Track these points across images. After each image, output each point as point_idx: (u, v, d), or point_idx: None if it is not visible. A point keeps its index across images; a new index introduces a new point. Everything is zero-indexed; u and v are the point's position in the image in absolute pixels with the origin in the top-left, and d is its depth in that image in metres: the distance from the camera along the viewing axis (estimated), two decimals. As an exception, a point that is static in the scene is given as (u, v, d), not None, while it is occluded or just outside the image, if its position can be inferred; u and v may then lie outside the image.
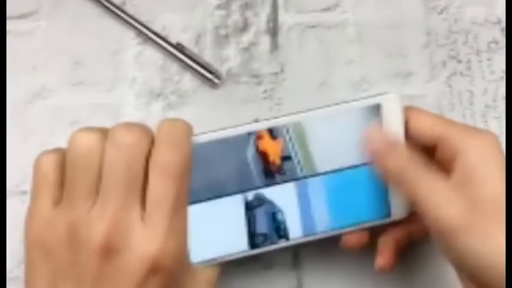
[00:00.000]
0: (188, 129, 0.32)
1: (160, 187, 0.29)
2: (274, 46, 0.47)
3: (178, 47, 0.46)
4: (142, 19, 0.48)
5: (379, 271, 0.37)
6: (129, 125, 0.30)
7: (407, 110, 0.35)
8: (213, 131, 0.34)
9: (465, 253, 0.30)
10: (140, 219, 0.29)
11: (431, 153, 0.34)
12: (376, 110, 0.36)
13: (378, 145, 0.34)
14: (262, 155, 0.36)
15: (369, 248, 0.41)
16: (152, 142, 0.30)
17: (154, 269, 0.28)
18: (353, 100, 0.36)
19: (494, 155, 0.31)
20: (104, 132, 0.31)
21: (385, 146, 0.33)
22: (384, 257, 0.36)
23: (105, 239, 0.28)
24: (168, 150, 0.30)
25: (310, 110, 0.36)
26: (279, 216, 0.36)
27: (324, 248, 0.41)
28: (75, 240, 0.29)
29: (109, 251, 0.28)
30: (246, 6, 0.49)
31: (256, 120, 0.45)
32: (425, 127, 0.34)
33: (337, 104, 0.36)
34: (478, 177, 0.31)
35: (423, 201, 0.31)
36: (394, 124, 0.35)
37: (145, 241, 0.29)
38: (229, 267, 0.40)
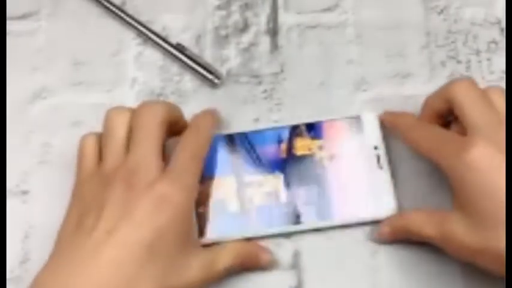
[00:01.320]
0: (212, 121, 0.42)
1: (182, 158, 0.38)
2: (274, 46, 0.47)
3: (179, 47, 0.47)
4: (143, 19, 0.48)
5: (378, 236, 0.40)
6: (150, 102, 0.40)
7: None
8: None
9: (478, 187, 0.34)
10: (159, 168, 0.36)
11: None
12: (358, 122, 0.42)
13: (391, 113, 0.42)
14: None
15: (369, 248, 0.41)
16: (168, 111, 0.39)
17: (163, 200, 0.35)
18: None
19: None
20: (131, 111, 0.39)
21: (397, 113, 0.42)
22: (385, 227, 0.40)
23: (128, 174, 0.36)
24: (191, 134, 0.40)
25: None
26: None
27: (324, 248, 0.41)
28: (103, 176, 0.37)
29: (130, 183, 0.35)
30: (246, 7, 0.49)
31: (256, 120, 0.45)
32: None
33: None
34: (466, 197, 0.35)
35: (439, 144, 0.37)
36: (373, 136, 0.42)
37: (161, 181, 0.35)
38: (229, 267, 0.40)
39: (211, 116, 0.42)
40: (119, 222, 0.34)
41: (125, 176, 0.35)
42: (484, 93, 0.37)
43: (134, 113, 0.39)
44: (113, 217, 0.34)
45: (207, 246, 0.40)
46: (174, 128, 0.40)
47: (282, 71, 0.46)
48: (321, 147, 0.42)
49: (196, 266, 0.36)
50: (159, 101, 0.44)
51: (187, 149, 0.38)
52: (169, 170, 0.36)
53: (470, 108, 0.36)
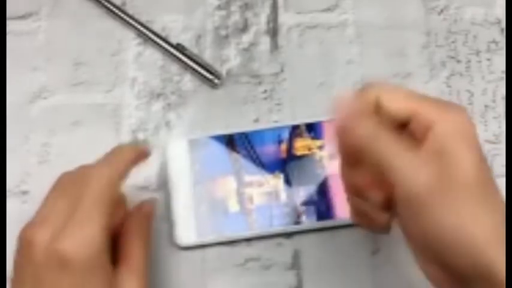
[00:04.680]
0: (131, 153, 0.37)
1: (84, 203, 0.34)
2: (274, 46, 0.47)
3: (179, 47, 0.47)
4: (143, 19, 0.48)
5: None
6: None
7: (379, 88, 0.32)
8: None
9: (433, 224, 0.28)
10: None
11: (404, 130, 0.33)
12: None
13: (346, 114, 0.32)
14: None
15: (368, 248, 0.41)
16: None
17: (64, 262, 0.32)
18: None
19: (466, 128, 0.30)
20: None
21: (354, 115, 0.32)
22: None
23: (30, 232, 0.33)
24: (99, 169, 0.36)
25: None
26: None
27: (324, 248, 0.41)
28: None
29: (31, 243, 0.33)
30: (246, 7, 0.49)
31: (256, 121, 0.45)
32: (398, 102, 0.32)
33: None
34: (449, 149, 0.29)
35: (392, 169, 0.30)
36: None
37: (57, 238, 0.32)
38: (229, 266, 0.40)
39: (132, 148, 0.38)
40: None
41: (33, 229, 0.34)
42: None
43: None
44: (29, 283, 0.33)
45: (207, 246, 0.40)
46: None
47: (282, 71, 0.46)
48: (321, 147, 0.42)
49: None
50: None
51: (90, 192, 0.34)
52: (71, 221, 0.33)
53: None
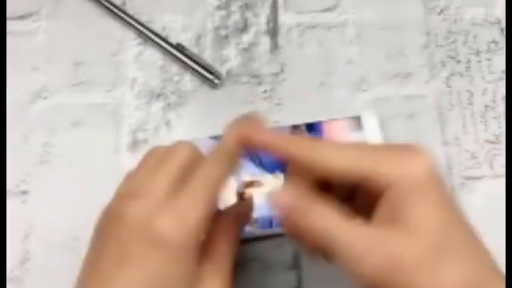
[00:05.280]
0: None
1: (192, 186, 0.31)
2: (274, 46, 0.47)
3: (179, 47, 0.47)
4: (143, 19, 0.48)
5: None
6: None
7: (318, 146, 0.30)
8: None
9: None
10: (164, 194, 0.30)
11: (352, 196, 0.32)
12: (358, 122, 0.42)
13: (285, 206, 0.31)
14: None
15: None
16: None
17: (160, 241, 0.29)
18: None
19: (426, 183, 0.28)
20: None
21: (293, 206, 0.30)
22: None
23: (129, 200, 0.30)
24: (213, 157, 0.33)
25: None
26: None
27: (324, 248, 0.41)
28: None
29: (125, 214, 0.30)
30: (246, 7, 0.49)
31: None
32: (347, 164, 0.29)
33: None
34: (403, 217, 0.28)
35: (347, 258, 0.29)
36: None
37: (159, 216, 0.29)
38: (229, 267, 0.40)
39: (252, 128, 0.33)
40: (118, 262, 0.30)
41: (124, 202, 0.31)
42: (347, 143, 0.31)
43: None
44: (113, 256, 0.30)
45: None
46: None
47: (282, 71, 0.46)
48: (321, 147, 0.42)
49: None
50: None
51: (202, 174, 0.31)
52: (174, 200, 0.30)
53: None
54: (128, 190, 0.32)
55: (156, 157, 0.33)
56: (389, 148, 0.30)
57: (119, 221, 0.30)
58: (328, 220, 0.29)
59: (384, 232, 0.28)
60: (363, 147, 0.30)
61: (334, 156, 0.29)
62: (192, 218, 0.30)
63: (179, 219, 0.29)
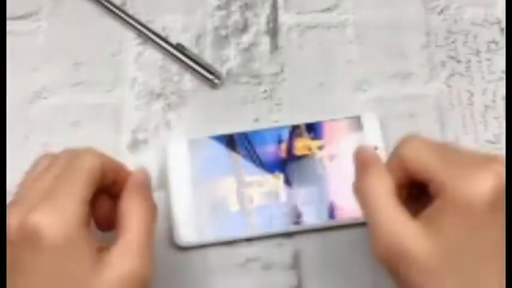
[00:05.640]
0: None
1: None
2: (274, 46, 0.47)
3: (179, 47, 0.47)
4: (143, 19, 0.48)
5: None
6: None
7: (408, 144, 0.32)
8: None
9: None
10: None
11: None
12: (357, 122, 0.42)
13: (361, 157, 0.34)
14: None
15: (369, 248, 0.41)
16: None
17: (36, 234, 0.29)
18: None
19: (482, 211, 0.28)
20: None
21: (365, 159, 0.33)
22: None
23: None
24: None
25: None
26: None
27: (324, 248, 0.41)
28: None
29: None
30: (246, 7, 0.49)
31: (256, 120, 0.45)
32: (419, 164, 0.31)
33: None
34: (441, 225, 0.29)
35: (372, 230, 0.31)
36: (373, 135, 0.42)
37: (34, 210, 0.29)
38: (229, 266, 0.40)
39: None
40: (14, 272, 0.30)
41: (8, 213, 0.30)
42: (435, 145, 0.32)
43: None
44: (9, 268, 0.30)
45: (207, 246, 0.40)
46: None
47: (282, 71, 0.46)
48: (321, 147, 0.42)
49: None
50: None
51: (79, 166, 0.31)
52: (49, 198, 0.30)
53: (426, 160, 0.31)
54: (12, 200, 0.32)
55: (42, 164, 0.33)
56: (466, 166, 0.30)
57: (7, 231, 0.30)
58: (380, 191, 0.31)
59: (414, 227, 0.29)
60: (445, 154, 0.31)
61: (416, 154, 0.31)
62: (65, 206, 0.29)
63: (52, 210, 0.29)
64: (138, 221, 0.31)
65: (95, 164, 0.31)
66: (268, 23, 0.48)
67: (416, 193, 0.32)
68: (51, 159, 0.33)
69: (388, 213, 0.30)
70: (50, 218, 0.29)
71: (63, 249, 0.29)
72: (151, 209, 0.32)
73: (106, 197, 0.33)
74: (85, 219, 0.30)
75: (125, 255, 0.30)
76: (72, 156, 0.32)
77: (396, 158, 0.32)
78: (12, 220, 0.29)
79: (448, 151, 0.32)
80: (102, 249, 0.30)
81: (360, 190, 0.32)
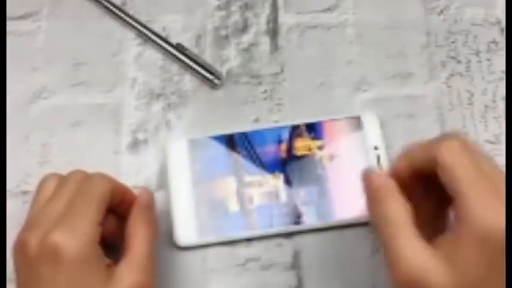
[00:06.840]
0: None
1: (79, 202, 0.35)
2: (274, 47, 0.47)
3: (179, 47, 0.47)
4: (143, 20, 0.48)
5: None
6: None
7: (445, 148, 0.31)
8: None
9: None
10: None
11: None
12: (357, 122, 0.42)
13: (372, 186, 0.34)
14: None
15: (368, 248, 0.41)
16: None
17: (56, 253, 0.32)
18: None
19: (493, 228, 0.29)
20: None
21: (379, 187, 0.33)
22: None
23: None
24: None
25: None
26: None
27: (324, 248, 0.41)
28: None
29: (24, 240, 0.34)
30: (246, 7, 0.49)
31: (256, 121, 0.45)
32: (449, 176, 0.31)
33: None
34: (461, 257, 0.29)
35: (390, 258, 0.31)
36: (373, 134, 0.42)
37: (53, 230, 0.33)
38: (229, 267, 0.40)
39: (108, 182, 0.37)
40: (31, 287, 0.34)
41: (26, 234, 0.34)
42: (475, 157, 0.31)
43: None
44: (26, 283, 0.34)
45: (207, 246, 0.40)
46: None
47: (282, 71, 0.46)
48: (321, 147, 0.42)
49: None
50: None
51: (92, 191, 0.35)
52: (66, 217, 0.34)
53: (461, 174, 0.30)
54: (27, 223, 0.36)
55: (51, 186, 0.37)
56: (496, 193, 0.30)
57: (25, 248, 0.33)
58: (400, 219, 0.31)
59: (435, 261, 0.30)
60: (482, 170, 0.31)
61: (453, 163, 0.31)
62: (81, 227, 0.33)
63: (70, 230, 0.33)
64: (142, 241, 0.35)
65: (106, 189, 0.36)
66: (268, 23, 0.48)
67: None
68: (60, 181, 0.37)
69: (409, 243, 0.30)
70: (68, 237, 0.32)
71: (80, 264, 0.33)
72: (154, 229, 0.37)
73: (113, 217, 0.37)
74: (97, 238, 0.34)
75: (132, 269, 0.34)
76: (83, 180, 0.36)
77: (427, 158, 0.32)
78: (32, 240, 0.33)
79: (485, 167, 0.31)
80: (110, 265, 0.34)
81: (377, 216, 0.32)
